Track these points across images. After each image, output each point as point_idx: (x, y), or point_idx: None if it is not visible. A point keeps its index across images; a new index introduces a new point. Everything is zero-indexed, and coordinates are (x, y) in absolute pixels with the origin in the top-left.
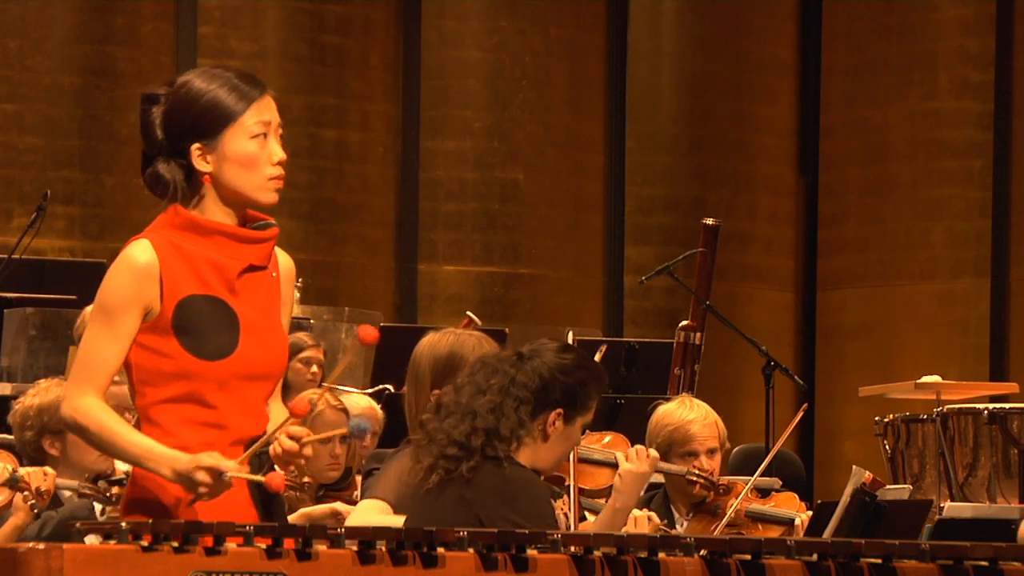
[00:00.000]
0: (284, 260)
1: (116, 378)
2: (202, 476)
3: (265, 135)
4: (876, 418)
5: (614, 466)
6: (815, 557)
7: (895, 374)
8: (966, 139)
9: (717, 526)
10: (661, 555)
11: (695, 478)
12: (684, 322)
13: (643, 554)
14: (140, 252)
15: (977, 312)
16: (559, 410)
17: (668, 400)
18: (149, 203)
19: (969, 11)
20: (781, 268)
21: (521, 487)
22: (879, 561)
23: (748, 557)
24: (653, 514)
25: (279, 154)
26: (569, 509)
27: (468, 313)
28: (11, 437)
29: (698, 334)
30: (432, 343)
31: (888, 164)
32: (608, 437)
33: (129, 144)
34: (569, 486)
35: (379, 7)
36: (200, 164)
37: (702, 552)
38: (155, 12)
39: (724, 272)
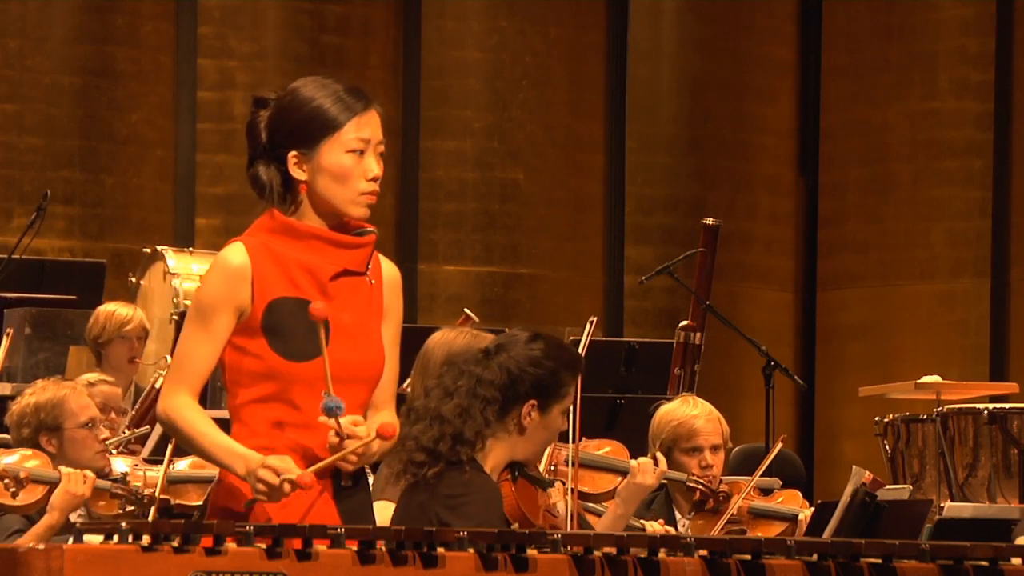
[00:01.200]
0: (388, 268)
1: (109, 378)
2: (263, 474)
3: (362, 152)
4: (876, 418)
5: (624, 473)
6: (815, 557)
7: (895, 374)
8: (966, 139)
9: (717, 524)
10: (661, 555)
11: (694, 484)
12: (684, 322)
13: (643, 554)
14: (233, 255)
15: (977, 312)
16: (532, 401)
17: (669, 400)
18: (149, 203)
19: (969, 11)
20: (781, 268)
21: (472, 493)
22: (879, 561)
23: (748, 557)
24: (671, 528)
25: (374, 171)
26: (563, 498)
27: (465, 310)
28: (8, 437)
29: (698, 334)
30: (448, 339)
31: (888, 164)
32: (608, 447)
33: (129, 144)
34: (567, 486)
35: (379, 7)
36: (296, 172)
37: (702, 552)
38: (155, 12)
39: (724, 272)
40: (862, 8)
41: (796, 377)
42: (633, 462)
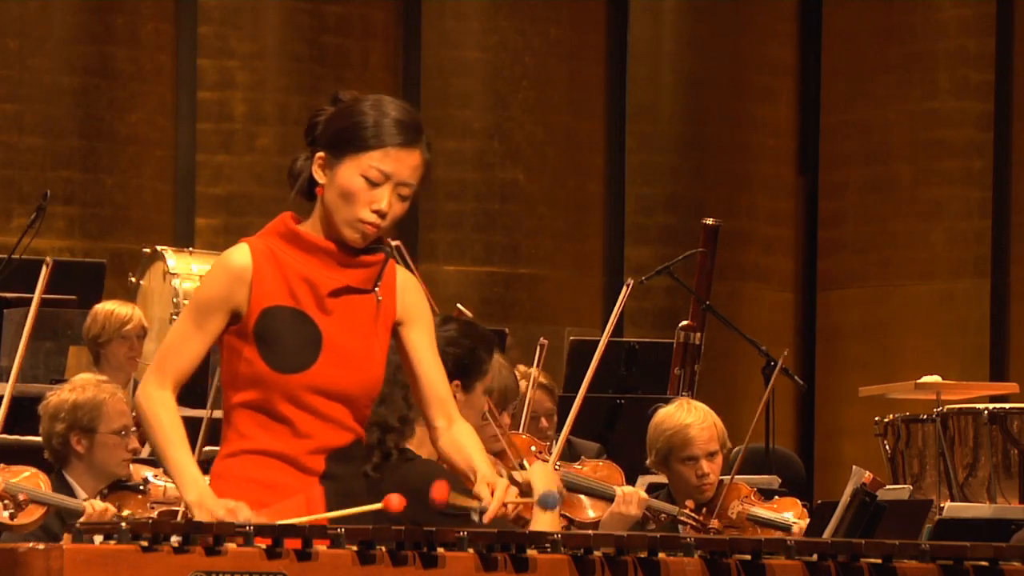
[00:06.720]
0: (402, 276)
1: (104, 378)
2: (223, 515)
3: (378, 183)
4: (876, 418)
5: (610, 500)
6: (815, 557)
7: (895, 374)
8: (966, 139)
9: (715, 525)
10: (661, 555)
11: (685, 519)
12: (684, 322)
13: (643, 554)
14: (237, 256)
15: (977, 312)
16: (456, 382)
17: (668, 402)
18: (150, 203)
19: (969, 11)
20: (781, 268)
21: (422, 479)
22: (879, 561)
23: (748, 557)
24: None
25: (380, 204)
26: None
27: (458, 306)
28: (12, 438)
29: (698, 334)
30: None
31: (888, 164)
32: (604, 471)
33: (129, 144)
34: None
35: (379, 7)
36: (316, 172)
37: (702, 552)
38: (155, 12)
39: (724, 272)
40: (862, 8)
41: (796, 377)
42: (618, 490)
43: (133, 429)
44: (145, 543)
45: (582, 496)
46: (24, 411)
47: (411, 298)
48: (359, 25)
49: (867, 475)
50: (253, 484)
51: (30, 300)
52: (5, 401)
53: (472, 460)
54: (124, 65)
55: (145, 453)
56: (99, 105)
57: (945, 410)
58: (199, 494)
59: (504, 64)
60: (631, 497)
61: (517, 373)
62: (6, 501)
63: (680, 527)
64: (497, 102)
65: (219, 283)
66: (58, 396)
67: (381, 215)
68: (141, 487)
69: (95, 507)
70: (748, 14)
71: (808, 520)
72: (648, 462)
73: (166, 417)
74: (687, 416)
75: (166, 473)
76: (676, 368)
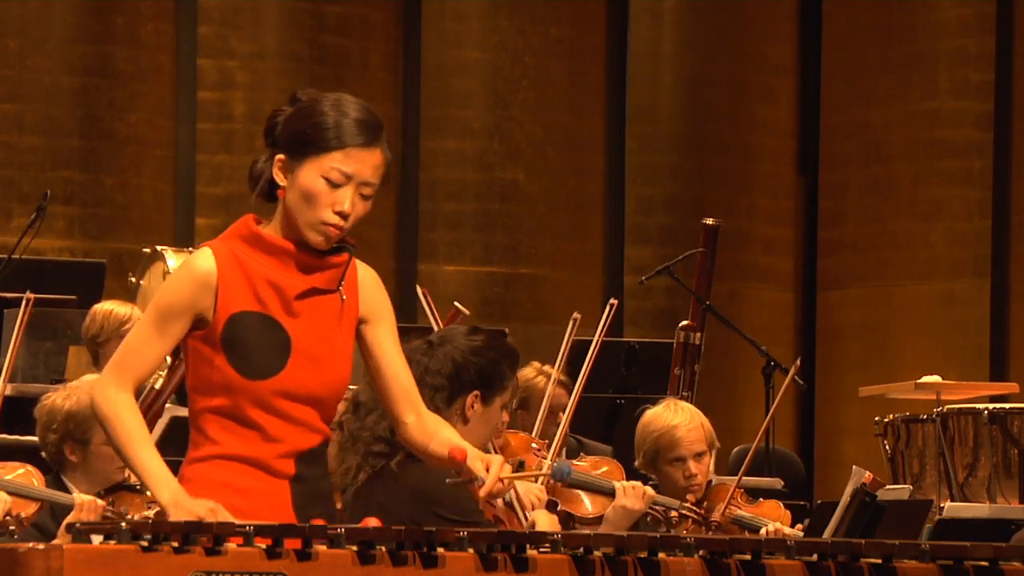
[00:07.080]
0: (364, 273)
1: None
2: (206, 516)
3: (340, 184)
4: (876, 418)
5: (610, 495)
6: (815, 557)
7: (895, 374)
8: (966, 139)
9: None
10: (661, 555)
11: (687, 513)
12: (684, 322)
13: (643, 554)
14: (201, 260)
15: (977, 312)
16: (476, 392)
17: (655, 403)
18: (150, 203)
19: (969, 11)
20: (781, 268)
21: (439, 484)
22: (879, 561)
23: (748, 557)
24: (649, 489)
25: (342, 205)
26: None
27: (456, 304)
28: (11, 438)
29: (698, 334)
30: None
31: (888, 164)
32: (605, 467)
33: (129, 144)
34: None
35: (379, 7)
36: (277, 175)
37: (702, 552)
38: (155, 12)
39: (724, 272)
40: (862, 8)
41: (796, 377)
42: (618, 485)
43: None
44: (145, 543)
45: (580, 492)
46: (24, 411)
47: (373, 295)
48: (359, 25)
49: (867, 475)
50: (223, 488)
51: (30, 300)
52: None
53: (452, 442)
54: (124, 65)
55: None
56: (99, 105)
57: (945, 410)
58: (172, 494)
59: (504, 64)
60: (638, 491)
61: (534, 369)
62: (8, 518)
63: (683, 521)
64: (497, 102)
65: (183, 288)
66: (52, 402)
67: (344, 216)
68: (139, 487)
69: (84, 499)
70: (748, 14)
71: (791, 524)
72: (636, 463)
73: (128, 418)
74: (674, 417)
75: (139, 479)
76: (676, 368)
